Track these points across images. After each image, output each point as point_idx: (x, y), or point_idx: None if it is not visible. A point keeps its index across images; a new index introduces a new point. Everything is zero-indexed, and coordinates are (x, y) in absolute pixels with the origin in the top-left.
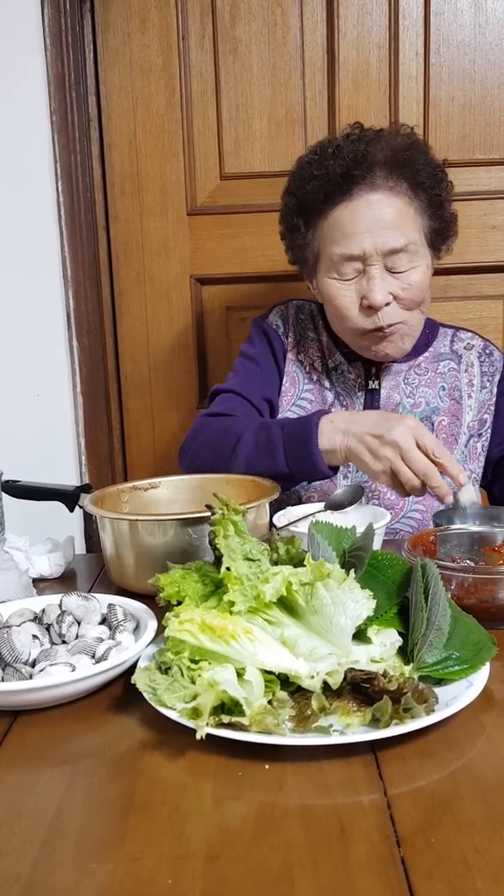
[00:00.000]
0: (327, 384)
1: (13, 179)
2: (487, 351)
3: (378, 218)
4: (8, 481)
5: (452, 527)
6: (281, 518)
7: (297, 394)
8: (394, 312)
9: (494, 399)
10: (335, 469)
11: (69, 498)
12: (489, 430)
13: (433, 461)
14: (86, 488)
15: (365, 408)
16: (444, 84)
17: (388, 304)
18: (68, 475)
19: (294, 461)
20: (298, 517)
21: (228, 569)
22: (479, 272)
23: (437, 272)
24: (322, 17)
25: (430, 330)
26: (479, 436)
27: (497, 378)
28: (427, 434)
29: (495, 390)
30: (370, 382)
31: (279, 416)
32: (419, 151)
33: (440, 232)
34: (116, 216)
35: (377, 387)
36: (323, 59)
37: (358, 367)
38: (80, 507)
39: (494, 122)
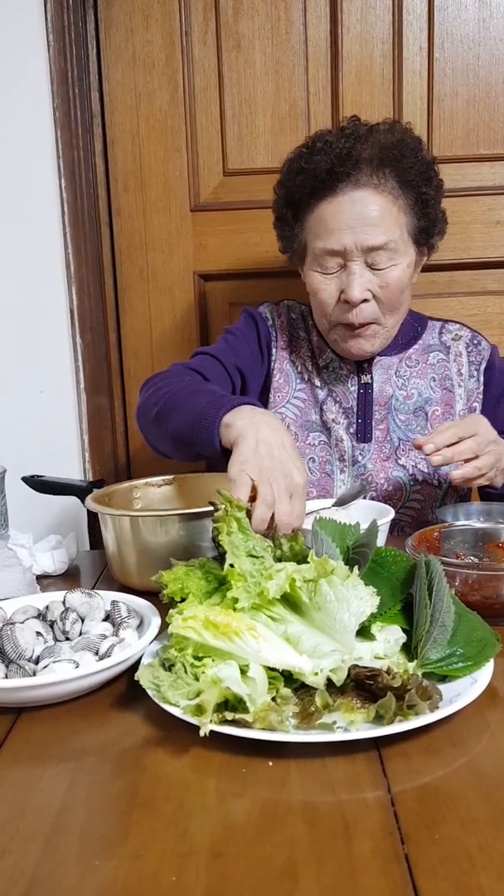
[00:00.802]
0: (318, 383)
1: (16, 176)
2: (475, 341)
3: (361, 215)
4: (32, 476)
5: (457, 523)
6: None
7: (291, 393)
8: (370, 310)
9: (482, 388)
10: (224, 450)
11: (83, 493)
12: None
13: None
14: (98, 484)
15: (358, 402)
16: (448, 79)
17: (365, 301)
18: (72, 471)
19: (199, 417)
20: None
21: (232, 565)
22: (484, 268)
23: (441, 268)
24: (325, 12)
25: (419, 323)
26: None
27: (483, 367)
28: (302, 502)
29: (482, 379)
30: (362, 376)
31: (271, 410)
32: (409, 149)
33: (426, 230)
34: (119, 212)
35: (370, 380)
36: (326, 55)
37: (349, 362)
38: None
39: (499, 118)
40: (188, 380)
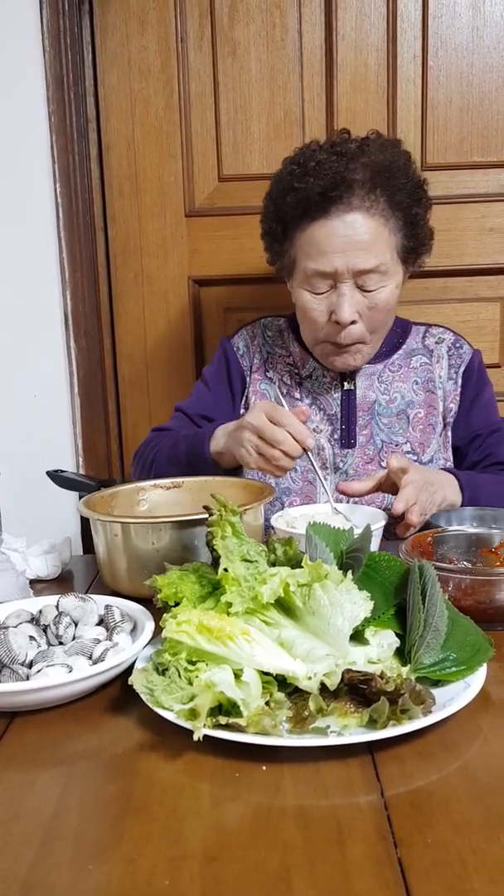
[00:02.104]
0: (298, 395)
1: (11, 180)
2: (457, 344)
3: (352, 239)
4: (55, 470)
5: (450, 528)
6: (279, 519)
7: None
8: (357, 331)
9: (459, 390)
10: (233, 470)
11: (91, 492)
12: (453, 418)
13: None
14: (109, 483)
15: (342, 408)
16: (442, 87)
17: (354, 322)
18: None
19: (191, 465)
20: (296, 517)
21: (226, 570)
22: (477, 274)
23: (435, 274)
24: (320, 19)
25: (402, 329)
26: (447, 425)
27: (462, 369)
28: (277, 409)
29: (460, 381)
30: (345, 384)
31: None
32: (399, 169)
33: (413, 250)
34: (114, 217)
35: (352, 387)
36: (321, 62)
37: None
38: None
39: (492, 126)
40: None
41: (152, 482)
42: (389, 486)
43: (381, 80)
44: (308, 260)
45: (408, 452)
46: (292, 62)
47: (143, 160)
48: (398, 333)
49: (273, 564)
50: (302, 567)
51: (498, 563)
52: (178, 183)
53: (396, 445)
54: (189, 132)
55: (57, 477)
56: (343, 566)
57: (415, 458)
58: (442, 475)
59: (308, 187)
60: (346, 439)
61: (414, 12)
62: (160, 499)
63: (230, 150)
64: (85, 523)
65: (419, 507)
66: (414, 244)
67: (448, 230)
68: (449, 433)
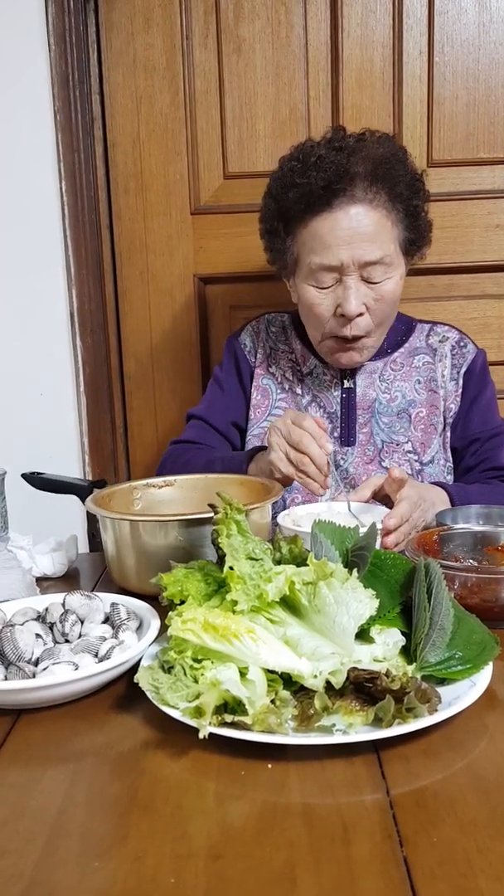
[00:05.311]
0: (299, 391)
1: (16, 178)
2: (462, 343)
3: (357, 231)
4: (32, 473)
5: (456, 526)
6: (285, 518)
7: (272, 404)
8: (364, 324)
9: (460, 391)
10: None
11: (84, 492)
12: (453, 419)
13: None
14: (100, 483)
15: (341, 406)
16: (448, 83)
17: (360, 315)
18: (72, 474)
19: None
20: (301, 516)
21: (231, 568)
22: (483, 271)
23: (441, 271)
24: (326, 15)
25: (406, 326)
26: (447, 425)
27: (464, 370)
28: (300, 414)
29: (461, 382)
30: (345, 381)
31: (252, 427)
32: (399, 162)
33: (414, 242)
34: (120, 215)
35: (352, 385)
36: (327, 58)
37: (334, 367)
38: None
39: (499, 121)
40: (197, 462)
41: (145, 481)
42: (382, 496)
43: (386, 76)
44: (312, 255)
45: (409, 452)
46: (298, 59)
47: (149, 158)
48: (401, 331)
49: (278, 562)
50: (307, 565)
51: None
52: (184, 180)
53: (397, 445)
54: (194, 129)
55: (35, 479)
56: (348, 564)
57: (416, 457)
58: (434, 491)
59: (311, 182)
60: (346, 437)
61: (420, 8)
62: (153, 497)
63: (235, 147)
64: (90, 521)
65: (410, 525)
66: (415, 236)
67: (454, 227)
68: (448, 434)
